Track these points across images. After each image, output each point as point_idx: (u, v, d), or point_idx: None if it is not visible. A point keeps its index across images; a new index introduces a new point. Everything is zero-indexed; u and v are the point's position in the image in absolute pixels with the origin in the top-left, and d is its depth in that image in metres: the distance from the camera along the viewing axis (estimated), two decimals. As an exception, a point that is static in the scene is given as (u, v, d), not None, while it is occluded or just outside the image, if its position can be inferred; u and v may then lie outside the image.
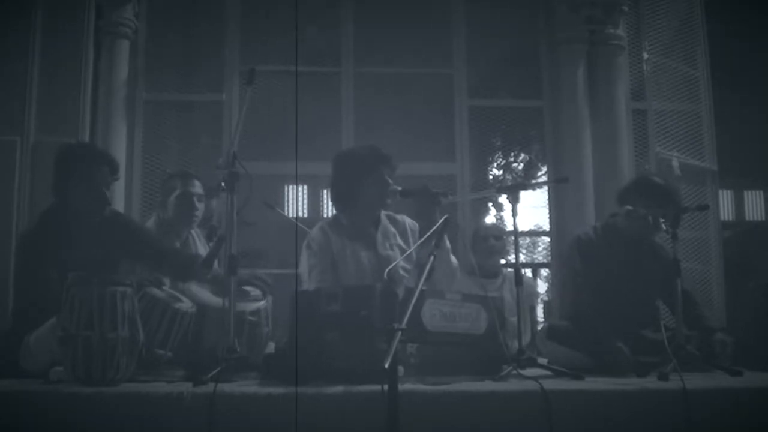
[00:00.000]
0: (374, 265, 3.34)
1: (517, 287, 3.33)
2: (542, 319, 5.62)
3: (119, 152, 5.28)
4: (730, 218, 10.13)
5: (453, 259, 3.42)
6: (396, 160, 3.46)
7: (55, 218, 3.25)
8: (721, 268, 5.75)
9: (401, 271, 3.35)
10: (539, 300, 4.95)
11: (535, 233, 8.23)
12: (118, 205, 4.88)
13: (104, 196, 3.32)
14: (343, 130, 5.69)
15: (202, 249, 3.84)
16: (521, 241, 6.18)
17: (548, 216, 5.93)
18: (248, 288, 3.44)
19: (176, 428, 2.37)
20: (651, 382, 2.85)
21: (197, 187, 3.86)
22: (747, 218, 10.48)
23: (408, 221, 3.54)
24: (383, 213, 3.52)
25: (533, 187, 3.75)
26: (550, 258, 6.08)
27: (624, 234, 3.74)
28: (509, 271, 4.69)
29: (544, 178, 6.52)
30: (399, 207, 3.60)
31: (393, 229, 3.50)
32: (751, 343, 3.84)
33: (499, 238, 4.85)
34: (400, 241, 3.46)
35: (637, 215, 3.65)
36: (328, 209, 8.75)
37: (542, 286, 7.27)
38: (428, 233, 3.03)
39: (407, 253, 3.32)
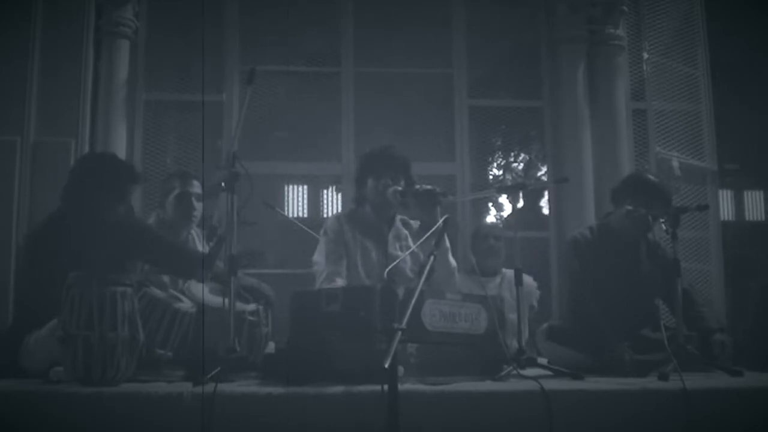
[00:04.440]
0: (383, 263, 3.37)
1: (518, 287, 3.33)
2: (542, 319, 5.61)
3: (119, 152, 5.27)
4: (730, 218, 10.11)
5: (451, 259, 3.44)
6: (406, 160, 3.49)
7: (62, 221, 3.25)
8: (721, 268, 5.75)
9: (408, 272, 3.36)
10: (537, 298, 4.97)
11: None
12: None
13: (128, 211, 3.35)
14: (343, 130, 5.69)
15: (202, 249, 3.84)
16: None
17: (548, 216, 5.93)
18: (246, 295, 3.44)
19: (176, 428, 2.37)
20: (651, 382, 2.85)
21: (196, 187, 3.86)
22: (747, 218, 10.47)
23: None
24: (398, 216, 3.55)
25: (533, 187, 3.77)
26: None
27: (619, 233, 3.75)
28: (508, 271, 4.69)
29: (544, 178, 6.52)
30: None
31: (405, 232, 3.54)
32: (750, 343, 3.84)
33: (498, 239, 4.87)
34: (411, 244, 3.48)
35: (636, 214, 3.66)
36: (328, 209, 8.75)
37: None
38: (428, 233, 3.04)
39: (408, 251, 3.34)
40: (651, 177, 3.88)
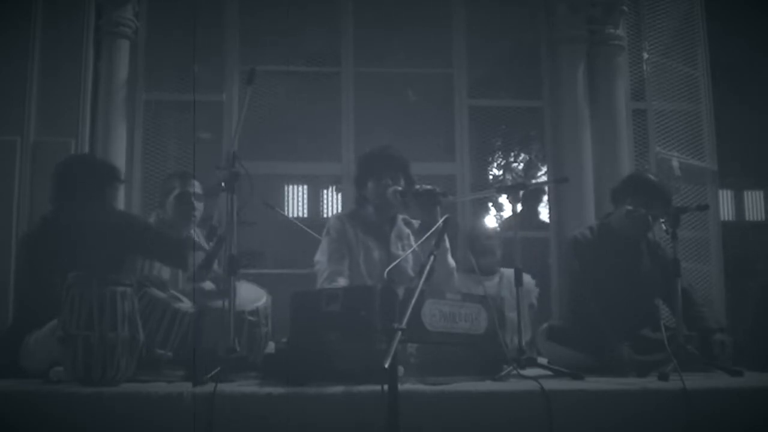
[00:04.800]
0: (384, 263, 3.37)
1: (518, 288, 3.33)
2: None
3: (119, 152, 5.28)
4: (730, 218, 10.12)
5: (450, 259, 3.44)
6: (405, 160, 3.50)
7: (57, 222, 3.25)
8: (721, 268, 5.75)
9: (410, 272, 3.37)
10: (536, 296, 4.98)
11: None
12: (118, 205, 4.87)
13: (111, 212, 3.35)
14: (343, 130, 5.69)
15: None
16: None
17: (549, 216, 5.93)
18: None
19: (176, 428, 2.37)
20: (651, 382, 2.85)
21: (196, 187, 3.87)
22: (747, 218, 10.48)
23: None
24: (400, 216, 3.56)
25: (533, 187, 3.77)
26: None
27: (620, 233, 3.75)
28: (507, 270, 4.70)
29: (544, 178, 6.52)
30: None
31: (407, 231, 3.55)
32: (750, 343, 3.85)
33: (491, 238, 4.92)
34: (413, 243, 3.48)
35: (636, 214, 3.66)
36: (328, 209, 8.76)
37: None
38: (428, 233, 3.05)
39: (409, 251, 3.35)
40: (651, 177, 3.88)
